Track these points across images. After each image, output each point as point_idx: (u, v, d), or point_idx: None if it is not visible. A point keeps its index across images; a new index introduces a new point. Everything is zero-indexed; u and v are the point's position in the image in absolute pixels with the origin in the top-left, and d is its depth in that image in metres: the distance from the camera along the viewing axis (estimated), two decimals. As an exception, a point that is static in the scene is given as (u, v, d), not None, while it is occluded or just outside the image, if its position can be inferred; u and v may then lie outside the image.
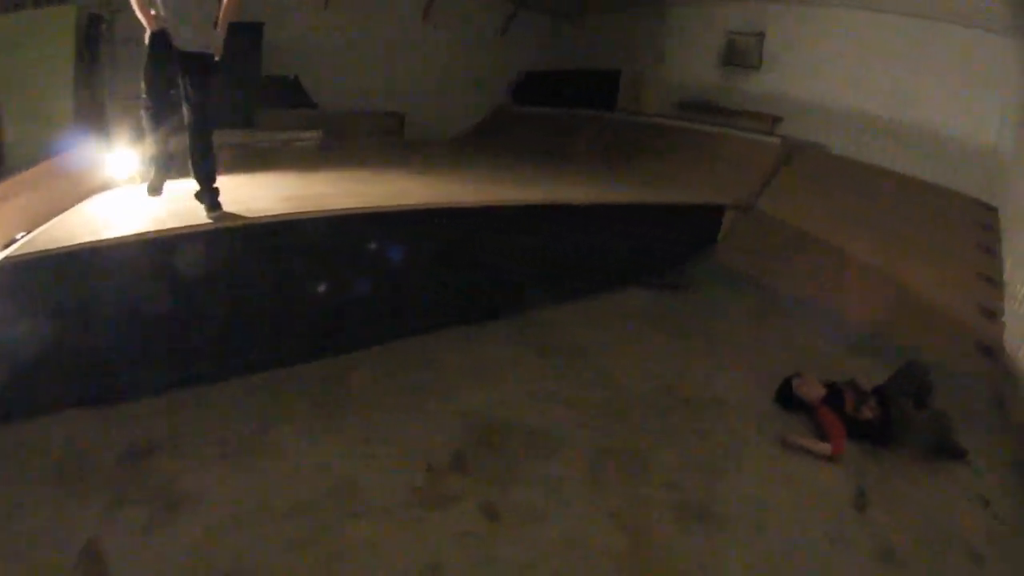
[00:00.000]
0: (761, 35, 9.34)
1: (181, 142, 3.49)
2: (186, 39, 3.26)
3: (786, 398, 3.75)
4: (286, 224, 3.33)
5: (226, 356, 3.23)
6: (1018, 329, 5.12)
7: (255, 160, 5.25)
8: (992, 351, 5.17)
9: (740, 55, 9.59)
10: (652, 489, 2.70)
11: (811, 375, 3.80)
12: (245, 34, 6.33)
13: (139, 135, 3.91)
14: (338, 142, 6.86)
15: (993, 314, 5.55)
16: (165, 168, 3.57)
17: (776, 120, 9.13)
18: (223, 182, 3.54)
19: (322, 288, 3.39)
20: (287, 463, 2.55)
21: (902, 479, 3.40)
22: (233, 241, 3.23)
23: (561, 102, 10.57)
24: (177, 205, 3.43)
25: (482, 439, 2.73)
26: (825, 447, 3.32)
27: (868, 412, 3.59)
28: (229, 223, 3.22)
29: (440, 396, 3.03)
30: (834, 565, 2.54)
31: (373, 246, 3.48)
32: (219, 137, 5.13)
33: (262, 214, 3.39)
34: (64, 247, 2.82)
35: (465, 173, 5.82)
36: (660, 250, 5.87)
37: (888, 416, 3.59)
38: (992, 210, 7.16)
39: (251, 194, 3.85)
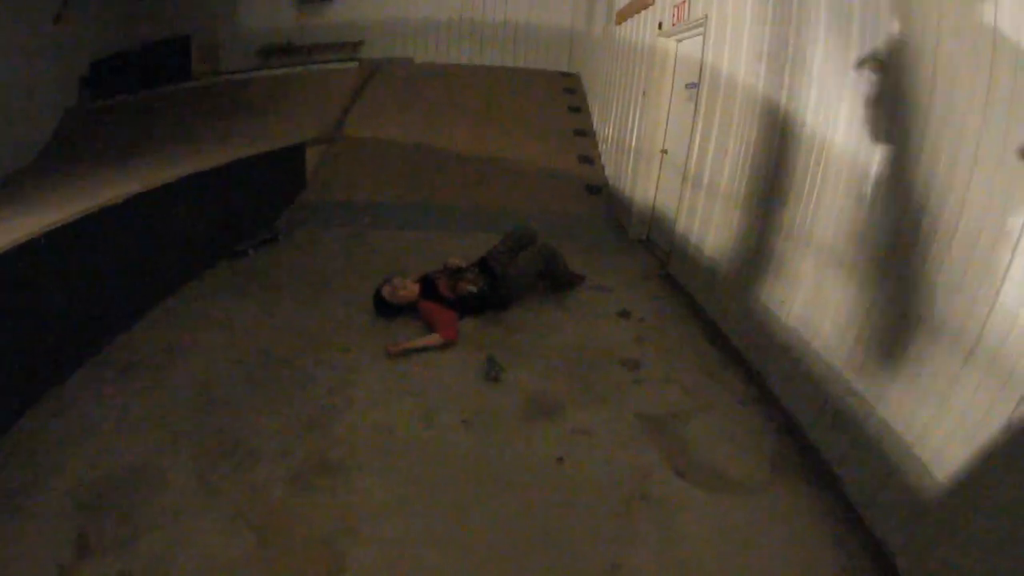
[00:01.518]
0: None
1: None
2: None
3: (385, 309, 3.50)
4: None
5: None
6: (610, 166, 6.19)
7: None
8: (599, 188, 6.18)
9: (314, -10, 9.37)
10: (263, 468, 2.45)
11: (398, 277, 3.55)
12: None
13: None
14: None
15: (591, 160, 6.62)
16: None
17: (357, 45, 9.31)
18: None
19: None
20: None
21: (537, 327, 3.45)
22: None
23: (137, 85, 9.19)
24: None
25: (97, 509, 2.33)
26: (434, 337, 3.15)
27: (469, 285, 3.51)
28: None
29: (43, 485, 2.44)
30: (480, 443, 2.45)
31: None
32: None
33: None
34: None
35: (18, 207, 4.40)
36: (247, 212, 5.20)
37: (495, 280, 3.58)
38: (574, 76, 8.53)
39: None
